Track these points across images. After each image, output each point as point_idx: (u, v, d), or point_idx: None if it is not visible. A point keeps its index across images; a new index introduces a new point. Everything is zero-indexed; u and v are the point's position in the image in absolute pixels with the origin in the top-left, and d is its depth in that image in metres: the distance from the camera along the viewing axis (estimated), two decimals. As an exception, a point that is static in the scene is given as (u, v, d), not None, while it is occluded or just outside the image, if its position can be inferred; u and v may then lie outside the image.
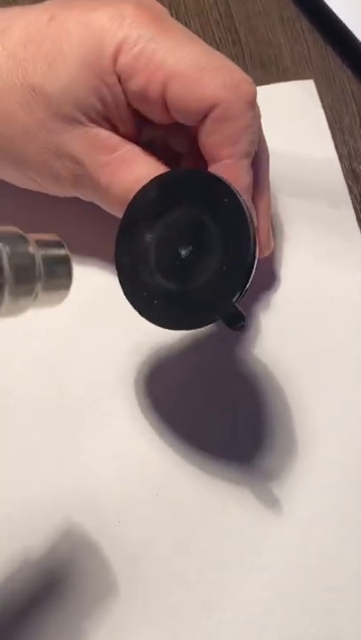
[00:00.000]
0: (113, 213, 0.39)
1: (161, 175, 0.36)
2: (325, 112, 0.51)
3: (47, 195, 0.42)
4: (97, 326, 0.43)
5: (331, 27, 0.53)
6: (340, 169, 0.49)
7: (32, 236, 0.27)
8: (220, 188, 0.34)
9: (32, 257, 0.27)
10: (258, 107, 0.39)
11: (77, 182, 0.39)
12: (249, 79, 0.38)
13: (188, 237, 0.35)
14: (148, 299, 0.35)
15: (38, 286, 0.27)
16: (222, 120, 0.37)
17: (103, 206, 0.40)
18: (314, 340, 0.44)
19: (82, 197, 0.41)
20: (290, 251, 0.46)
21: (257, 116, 0.39)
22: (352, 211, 0.47)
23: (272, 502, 0.40)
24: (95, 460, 0.41)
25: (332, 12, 0.52)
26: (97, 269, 0.44)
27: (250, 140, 0.38)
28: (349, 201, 0.48)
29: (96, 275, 0.44)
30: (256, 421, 0.42)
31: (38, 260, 0.27)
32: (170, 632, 0.38)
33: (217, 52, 0.39)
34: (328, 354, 0.43)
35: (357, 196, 0.48)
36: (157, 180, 0.36)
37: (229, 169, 0.37)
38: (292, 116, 0.50)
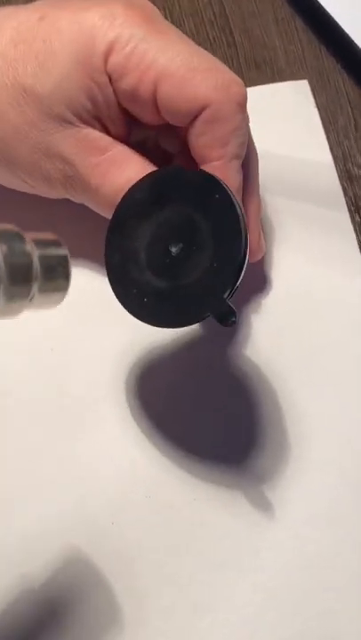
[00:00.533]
0: (103, 215, 0.39)
1: (152, 173, 0.36)
2: (320, 113, 0.51)
3: (38, 196, 0.42)
4: (90, 326, 0.43)
5: (325, 27, 0.53)
6: (334, 170, 0.49)
7: (30, 235, 0.27)
8: (212, 185, 0.34)
9: (29, 256, 0.26)
10: (247, 109, 0.39)
11: (68, 183, 0.39)
12: (240, 81, 0.38)
13: (178, 235, 0.35)
14: (139, 297, 0.35)
15: (35, 287, 0.26)
16: (212, 121, 0.37)
17: (93, 207, 0.40)
18: (306, 341, 0.44)
19: (72, 199, 0.41)
20: (283, 252, 0.46)
21: (246, 118, 0.39)
22: (347, 212, 0.47)
23: (266, 504, 0.40)
24: (89, 462, 0.41)
25: (327, 13, 0.52)
26: (90, 269, 0.44)
27: (240, 142, 0.38)
28: (344, 202, 0.48)
29: (90, 274, 0.43)
30: (249, 422, 0.42)
31: (35, 259, 0.26)
32: (162, 633, 0.38)
33: (208, 53, 0.39)
34: (321, 354, 0.43)
35: (352, 197, 0.48)
36: (148, 178, 0.36)
37: (219, 170, 0.37)
38: (286, 116, 0.50)
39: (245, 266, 0.34)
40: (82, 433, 0.41)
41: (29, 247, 0.26)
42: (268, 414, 0.42)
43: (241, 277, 0.34)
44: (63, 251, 0.28)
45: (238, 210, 0.34)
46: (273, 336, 0.44)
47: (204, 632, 0.38)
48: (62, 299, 0.29)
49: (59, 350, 0.43)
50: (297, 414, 0.42)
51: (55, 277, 0.28)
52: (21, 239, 0.26)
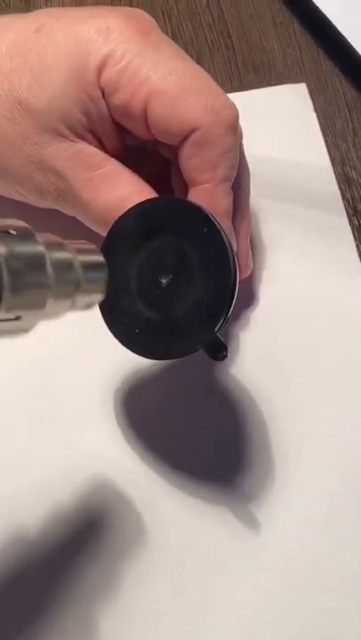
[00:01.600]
0: (94, 229, 0.39)
1: (141, 203, 0.36)
2: (318, 116, 0.51)
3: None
4: (91, 333, 0.43)
5: (323, 31, 0.53)
6: (332, 173, 0.49)
7: (70, 244, 0.29)
8: (200, 218, 0.34)
9: (71, 262, 0.28)
10: (240, 128, 0.39)
11: (60, 196, 0.39)
12: (231, 103, 0.38)
13: (168, 266, 0.34)
14: (130, 328, 0.35)
15: (77, 290, 0.29)
16: (202, 144, 0.37)
17: (84, 221, 0.40)
18: (303, 346, 0.44)
19: (64, 211, 0.41)
20: (281, 255, 0.46)
21: (238, 140, 0.39)
22: (345, 215, 0.47)
23: (265, 506, 0.40)
24: (86, 464, 0.41)
25: (325, 17, 0.52)
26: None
27: (230, 165, 0.38)
28: (342, 205, 0.48)
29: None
30: (249, 424, 0.42)
31: (77, 265, 0.28)
32: (163, 635, 0.38)
33: (202, 72, 0.38)
34: (318, 360, 0.43)
35: (350, 200, 0.48)
36: (137, 208, 0.36)
37: (208, 193, 0.37)
38: (284, 119, 0.50)
39: (235, 299, 0.34)
40: (80, 436, 0.41)
41: (71, 254, 0.28)
42: (269, 417, 0.42)
43: (230, 311, 0.34)
44: (100, 257, 0.31)
45: (226, 243, 0.34)
46: (269, 342, 0.44)
47: (204, 634, 0.38)
48: (99, 301, 0.31)
49: (58, 354, 0.43)
50: (297, 418, 0.42)
51: (93, 281, 0.30)
52: (64, 247, 0.28)
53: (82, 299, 0.29)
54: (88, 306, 0.30)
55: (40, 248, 0.26)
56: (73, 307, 0.29)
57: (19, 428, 0.42)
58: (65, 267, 0.28)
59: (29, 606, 0.38)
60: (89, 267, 0.29)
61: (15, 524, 0.39)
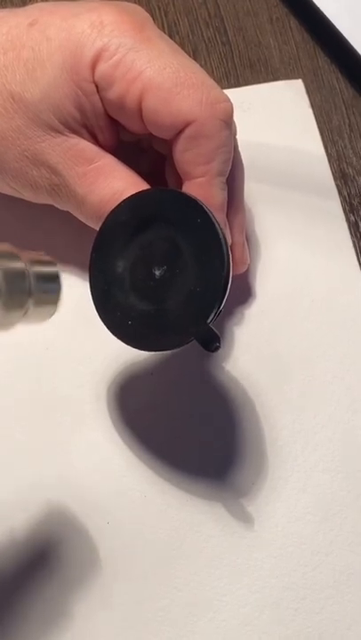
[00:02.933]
0: (88, 224, 0.39)
1: (134, 195, 0.36)
2: (314, 112, 0.51)
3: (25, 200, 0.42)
4: (86, 328, 0.43)
5: (320, 27, 0.53)
6: (328, 169, 0.49)
7: (25, 254, 0.29)
8: (194, 209, 0.34)
9: (24, 273, 0.28)
10: (234, 124, 0.39)
11: (54, 191, 0.39)
12: (226, 97, 0.38)
13: (161, 258, 0.34)
14: (122, 319, 0.35)
15: (29, 301, 0.28)
16: (196, 138, 0.37)
17: (78, 216, 0.40)
18: (300, 344, 0.44)
19: (58, 206, 0.41)
20: (276, 251, 0.46)
21: (232, 135, 0.39)
22: (341, 211, 0.47)
23: (260, 502, 0.40)
24: (82, 461, 0.41)
25: (322, 13, 0.52)
26: (78, 275, 0.44)
27: (224, 159, 0.38)
28: (338, 201, 0.48)
29: (78, 280, 0.43)
30: (241, 420, 0.42)
31: (30, 275, 0.28)
32: (159, 634, 0.38)
33: (197, 66, 0.38)
34: (314, 357, 0.43)
35: (346, 196, 0.48)
36: (131, 200, 0.36)
37: (203, 187, 0.37)
38: (280, 115, 0.50)
39: (228, 290, 0.34)
40: (75, 432, 0.41)
41: (25, 264, 0.28)
42: (264, 413, 0.42)
43: (224, 302, 0.34)
44: (55, 268, 0.30)
45: (220, 234, 0.34)
46: (265, 337, 0.44)
47: (200, 632, 0.38)
48: (53, 312, 0.31)
49: (53, 349, 0.43)
50: (292, 414, 0.42)
51: (48, 292, 0.30)
52: (17, 258, 0.28)
53: (35, 310, 0.29)
54: (42, 317, 0.30)
55: None
56: (26, 318, 0.29)
57: (11, 424, 0.41)
58: (17, 277, 0.28)
59: (31, 596, 0.38)
60: (43, 277, 0.29)
61: (12, 517, 0.39)
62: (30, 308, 0.29)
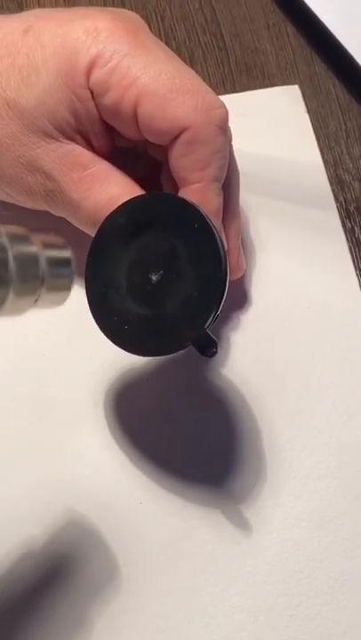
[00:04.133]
0: (83, 230, 0.39)
1: (131, 200, 0.36)
2: (310, 118, 0.51)
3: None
4: (84, 334, 0.43)
5: (316, 33, 0.53)
6: (325, 175, 0.49)
7: (37, 237, 0.28)
8: (191, 213, 0.34)
9: (36, 257, 0.27)
10: (229, 130, 0.39)
11: (49, 197, 0.39)
12: (221, 103, 0.38)
13: (158, 262, 0.34)
14: (119, 324, 0.35)
15: (41, 286, 0.28)
16: (192, 143, 0.37)
17: (73, 222, 0.40)
18: (296, 350, 0.44)
19: (53, 212, 0.40)
20: (273, 258, 0.46)
21: (228, 140, 0.39)
22: (337, 217, 0.47)
23: (256, 508, 0.40)
24: (79, 468, 0.41)
25: (318, 19, 0.52)
26: (74, 280, 0.43)
27: (220, 165, 0.38)
28: (335, 207, 0.48)
29: (75, 285, 0.43)
30: (237, 426, 0.42)
31: (42, 260, 0.27)
32: (154, 639, 0.38)
33: (192, 72, 0.38)
34: (310, 364, 0.43)
35: (342, 202, 0.48)
36: (128, 205, 0.36)
37: (199, 193, 0.37)
38: (277, 121, 0.50)
39: (225, 295, 0.34)
40: (71, 438, 0.41)
41: (37, 248, 0.27)
42: (261, 418, 0.42)
43: (221, 306, 0.34)
44: (67, 252, 0.29)
45: (217, 239, 0.34)
46: (261, 343, 0.44)
47: (195, 638, 0.38)
48: (65, 298, 0.30)
49: (50, 354, 0.43)
50: (289, 420, 0.42)
51: (60, 277, 0.29)
52: (29, 241, 0.27)
53: (47, 296, 0.28)
54: (54, 303, 0.29)
55: (2, 240, 0.25)
56: (38, 304, 0.28)
57: (7, 429, 0.41)
58: (29, 261, 0.27)
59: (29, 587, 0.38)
60: (55, 262, 0.28)
61: (7, 519, 0.39)
62: (42, 294, 0.28)
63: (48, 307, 0.29)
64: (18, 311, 0.27)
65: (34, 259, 0.27)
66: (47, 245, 0.28)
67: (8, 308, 0.26)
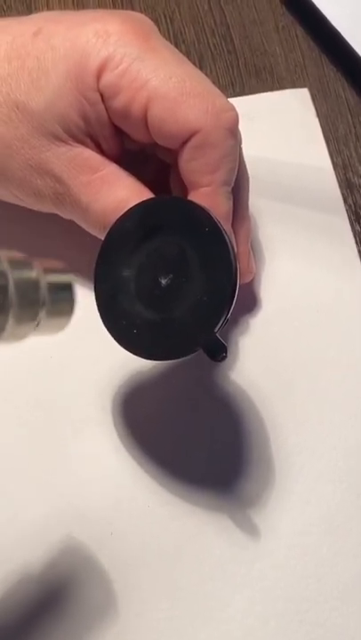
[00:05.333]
0: (92, 233, 0.39)
1: (141, 203, 0.36)
2: (320, 121, 0.50)
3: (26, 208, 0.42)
4: (91, 337, 0.43)
5: (326, 35, 0.52)
6: (334, 178, 0.48)
7: (37, 262, 0.28)
8: (201, 217, 0.34)
9: (37, 282, 0.27)
10: (239, 133, 0.39)
11: (58, 200, 0.39)
12: (231, 106, 0.38)
13: (168, 266, 0.34)
14: (128, 328, 0.35)
15: (42, 312, 0.27)
16: (202, 147, 0.37)
17: (82, 225, 0.40)
18: (305, 354, 0.44)
19: (62, 215, 0.40)
20: (282, 261, 0.46)
21: (238, 144, 0.39)
22: (347, 220, 0.47)
23: (265, 513, 0.40)
24: (85, 471, 0.41)
25: (328, 21, 0.52)
26: (83, 283, 0.43)
27: (230, 168, 0.38)
28: (344, 210, 0.47)
29: (83, 289, 0.43)
30: (246, 431, 0.42)
31: (43, 285, 0.27)
32: (161, 644, 0.38)
33: (202, 75, 0.38)
34: (319, 368, 0.43)
35: (352, 205, 0.48)
36: (138, 208, 0.36)
37: (209, 197, 0.37)
38: (286, 124, 0.50)
39: (235, 299, 0.33)
40: (79, 441, 0.41)
41: (37, 273, 0.27)
42: (269, 423, 0.42)
43: (231, 311, 0.33)
44: (68, 277, 0.29)
45: (228, 242, 0.33)
46: (271, 347, 0.44)
47: (203, 643, 0.38)
48: (67, 324, 0.30)
49: (58, 357, 0.43)
50: (298, 424, 0.42)
51: (61, 302, 0.29)
52: (29, 266, 0.27)
53: (48, 321, 0.28)
54: (55, 329, 0.29)
55: (2, 266, 0.25)
56: (39, 329, 0.28)
57: (14, 432, 0.41)
58: (29, 287, 0.27)
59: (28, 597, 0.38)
60: (56, 287, 0.28)
61: (15, 527, 0.39)
62: (43, 320, 0.28)
63: (49, 332, 0.29)
64: (18, 337, 0.27)
65: (34, 284, 0.27)
66: (48, 271, 0.28)
67: (8, 334, 0.26)
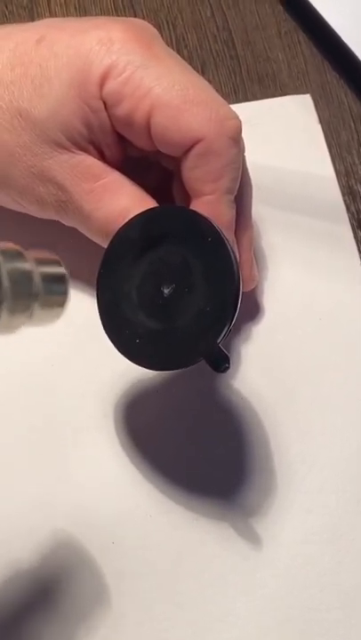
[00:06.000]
0: (94, 240, 0.39)
1: (144, 212, 0.36)
2: (322, 127, 0.50)
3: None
4: (93, 345, 0.42)
5: (329, 42, 0.52)
6: (337, 185, 0.48)
7: (30, 253, 0.28)
8: (204, 227, 0.34)
9: (30, 274, 0.27)
10: (243, 141, 0.39)
11: (60, 208, 0.39)
12: (235, 114, 0.38)
13: (171, 276, 0.34)
14: (130, 337, 0.35)
15: (35, 303, 0.27)
16: (205, 155, 0.37)
17: (85, 233, 0.40)
18: (308, 362, 0.43)
19: (64, 222, 0.40)
20: (284, 269, 0.46)
21: (241, 152, 0.38)
22: (349, 228, 0.47)
23: (267, 522, 0.40)
24: (86, 480, 0.40)
25: (331, 28, 0.52)
26: (85, 291, 0.43)
27: (233, 177, 0.38)
28: (347, 218, 0.47)
29: (85, 297, 0.43)
30: (248, 439, 0.41)
31: (36, 276, 0.27)
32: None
33: (205, 83, 0.38)
34: (321, 375, 0.43)
35: (354, 213, 0.48)
36: (140, 217, 0.36)
37: (211, 205, 0.37)
38: (288, 130, 0.50)
39: (238, 309, 0.33)
40: (80, 449, 0.41)
41: (30, 265, 0.27)
42: (271, 431, 0.41)
43: (234, 321, 0.33)
44: (62, 269, 0.29)
45: (231, 252, 0.33)
46: (273, 356, 0.43)
47: (203, 652, 0.37)
48: (60, 315, 0.29)
49: (60, 366, 0.43)
50: (300, 433, 0.42)
51: (54, 294, 0.29)
52: (23, 257, 0.27)
53: (41, 312, 0.28)
54: (48, 320, 0.29)
55: None
56: (31, 321, 0.27)
57: (15, 439, 0.41)
58: (23, 278, 0.26)
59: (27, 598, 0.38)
60: (49, 278, 0.28)
61: (15, 536, 0.39)
62: (36, 311, 0.27)
63: (42, 324, 0.29)
64: (11, 329, 0.27)
65: (27, 275, 0.27)
66: (41, 262, 0.28)
67: (1, 326, 0.26)
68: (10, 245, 0.27)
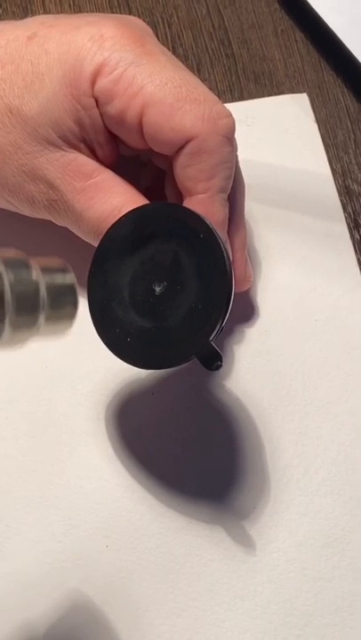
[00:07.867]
0: (86, 240, 0.39)
1: (136, 209, 0.35)
2: (319, 127, 0.50)
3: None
4: (86, 347, 0.42)
5: (325, 40, 0.52)
6: (333, 185, 0.48)
7: (36, 261, 0.26)
8: (196, 224, 0.34)
9: (36, 285, 0.25)
10: (235, 140, 0.38)
11: (52, 207, 0.39)
12: (228, 112, 0.37)
13: (162, 273, 0.34)
14: (121, 336, 0.34)
15: (41, 317, 0.26)
16: (198, 154, 0.36)
17: (76, 232, 0.39)
18: (304, 363, 0.43)
19: (55, 222, 0.40)
20: (280, 269, 0.45)
21: (234, 151, 0.38)
22: (346, 228, 0.47)
23: (261, 527, 0.39)
24: (80, 483, 0.40)
25: (328, 26, 0.51)
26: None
27: (226, 176, 0.37)
28: (343, 218, 0.47)
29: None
30: (243, 443, 0.41)
31: (42, 288, 0.26)
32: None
33: (198, 81, 0.38)
34: (317, 377, 0.43)
35: (351, 213, 0.47)
36: (132, 215, 0.35)
37: (204, 204, 0.37)
38: (285, 130, 0.50)
39: (230, 307, 0.33)
40: (73, 452, 0.41)
41: (35, 275, 0.26)
42: (266, 434, 0.41)
43: (226, 319, 0.33)
44: (70, 278, 0.27)
45: (223, 250, 0.33)
46: (267, 356, 0.43)
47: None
48: (70, 327, 0.28)
49: (52, 367, 0.42)
50: (294, 436, 0.41)
51: (62, 306, 0.27)
52: (27, 267, 0.25)
53: (48, 326, 0.26)
54: (57, 332, 0.27)
55: None
56: (38, 335, 0.26)
57: (8, 442, 0.41)
58: (28, 291, 0.25)
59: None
60: (57, 290, 0.26)
61: (8, 541, 0.39)
62: (43, 325, 0.26)
63: (50, 337, 0.27)
64: (16, 343, 0.25)
65: (33, 287, 0.25)
66: (47, 271, 0.26)
67: (4, 342, 0.24)
68: (13, 253, 0.25)
